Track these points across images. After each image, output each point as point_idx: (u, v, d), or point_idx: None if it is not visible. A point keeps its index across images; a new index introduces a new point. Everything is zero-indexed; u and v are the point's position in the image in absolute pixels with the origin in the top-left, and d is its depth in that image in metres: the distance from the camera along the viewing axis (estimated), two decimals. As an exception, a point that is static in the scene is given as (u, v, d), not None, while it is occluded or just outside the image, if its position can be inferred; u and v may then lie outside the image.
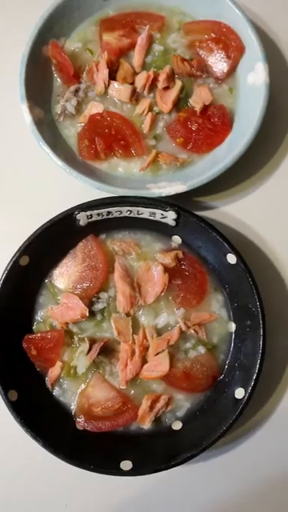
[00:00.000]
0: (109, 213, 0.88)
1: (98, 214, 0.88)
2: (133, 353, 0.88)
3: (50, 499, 0.92)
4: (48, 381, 0.89)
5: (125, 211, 0.88)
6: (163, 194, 0.88)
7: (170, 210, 0.87)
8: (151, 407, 0.87)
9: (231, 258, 0.86)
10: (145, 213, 0.88)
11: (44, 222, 0.87)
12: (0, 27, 1.04)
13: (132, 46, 0.96)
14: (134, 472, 0.83)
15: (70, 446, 0.85)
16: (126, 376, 0.88)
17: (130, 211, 0.88)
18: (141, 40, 0.96)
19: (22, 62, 0.92)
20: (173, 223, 0.88)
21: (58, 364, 0.89)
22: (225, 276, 0.90)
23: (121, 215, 0.89)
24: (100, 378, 0.89)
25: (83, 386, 0.89)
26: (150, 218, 0.89)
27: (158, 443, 0.87)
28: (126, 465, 0.83)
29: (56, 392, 0.89)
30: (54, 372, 0.89)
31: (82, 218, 0.88)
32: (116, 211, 0.88)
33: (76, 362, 0.88)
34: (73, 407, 0.89)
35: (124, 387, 0.88)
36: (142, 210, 0.88)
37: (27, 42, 0.93)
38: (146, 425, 0.87)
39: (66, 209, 0.87)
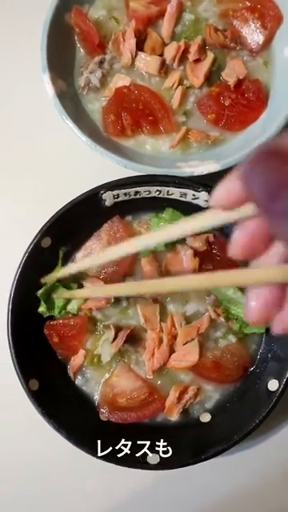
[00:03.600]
0: (137, 192, 0.83)
1: (126, 194, 0.83)
2: (160, 341, 0.84)
3: (71, 489, 0.89)
4: (70, 370, 0.85)
5: (154, 191, 0.83)
6: (195, 174, 0.83)
7: (202, 190, 0.81)
8: (179, 398, 0.83)
9: (267, 243, 0.81)
10: (175, 193, 0.83)
11: (67, 202, 0.81)
12: (19, -7, 0.98)
13: (161, 15, 0.90)
14: (162, 466, 0.79)
15: (93, 437, 0.81)
16: (153, 365, 0.83)
17: (160, 191, 0.83)
18: (171, 8, 0.89)
19: (43, 30, 0.85)
20: (204, 204, 0.83)
21: (81, 352, 0.84)
22: (258, 261, 0.84)
23: (149, 195, 0.83)
24: (125, 368, 0.84)
25: (107, 376, 0.85)
26: (181, 198, 0.83)
27: (186, 436, 0.83)
28: (153, 458, 0.79)
29: (78, 381, 0.85)
30: (76, 360, 0.84)
31: (108, 198, 0.82)
32: (144, 191, 0.83)
33: (100, 350, 0.84)
34: (96, 397, 0.85)
35: (151, 377, 0.84)
36: (172, 190, 0.82)
37: (49, 8, 0.86)
38: (174, 416, 0.83)
39: (91, 188, 0.82)
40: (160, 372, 0.84)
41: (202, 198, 0.82)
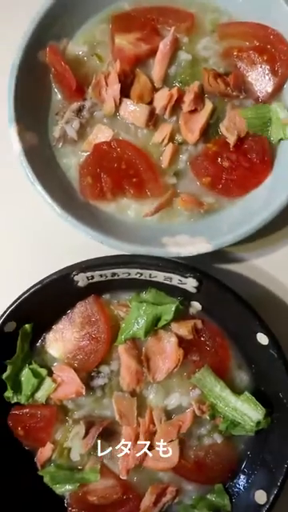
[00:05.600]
0: (114, 274, 0.72)
1: (101, 275, 0.72)
2: (137, 437, 0.75)
3: None
4: (37, 461, 0.77)
5: (134, 273, 0.72)
6: (182, 255, 0.71)
7: (190, 276, 0.70)
8: (156, 502, 0.75)
9: (262, 338, 0.70)
10: (158, 276, 0.72)
11: (33, 284, 0.71)
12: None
13: (152, 53, 0.76)
14: None
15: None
16: (128, 465, 0.75)
17: (141, 274, 0.72)
18: (164, 46, 0.75)
19: (11, 72, 0.73)
20: (193, 290, 0.72)
21: (49, 446, 0.76)
22: (252, 354, 0.74)
23: (129, 277, 0.72)
24: (97, 463, 0.76)
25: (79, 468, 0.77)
26: (165, 282, 0.72)
27: None
28: None
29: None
30: (43, 453, 0.76)
31: (82, 280, 0.72)
32: (123, 273, 0.71)
33: (70, 444, 0.76)
34: (66, 495, 0.77)
35: (125, 478, 0.75)
36: (155, 273, 0.71)
37: (19, 46, 0.73)
38: (149, 521, 0.75)
39: (62, 265, 0.71)
40: (137, 468, 0.76)
41: (189, 284, 0.71)
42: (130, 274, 0.72)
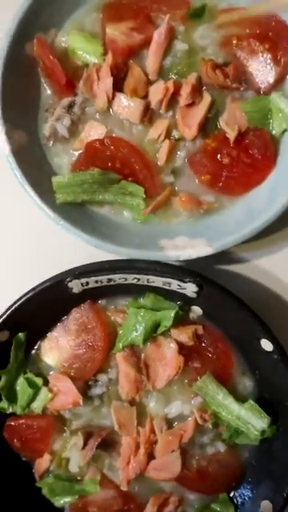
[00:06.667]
0: (110, 280, 0.68)
1: (96, 281, 0.68)
2: (137, 447, 0.72)
3: None
4: (35, 473, 0.75)
5: (131, 279, 0.68)
6: (181, 258, 0.68)
7: (189, 281, 0.66)
8: (158, 513, 0.72)
9: (266, 345, 0.67)
10: (157, 281, 0.68)
11: (26, 291, 0.68)
12: None
13: (146, 44, 0.71)
14: None
15: None
16: (128, 475, 0.72)
17: (138, 279, 0.68)
18: (158, 36, 0.70)
19: (-3, 67, 0.68)
20: (193, 295, 0.68)
21: (47, 456, 0.73)
22: (256, 360, 0.71)
23: (125, 282, 0.69)
24: (97, 473, 0.74)
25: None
26: (164, 287, 0.69)
27: None
28: None
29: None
30: (41, 464, 0.74)
31: (76, 286, 0.68)
32: (119, 278, 0.68)
33: (68, 455, 0.73)
34: (66, 506, 0.75)
35: (125, 489, 0.73)
36: (153, 278, 0.68)
37: (4, 38, 0.68)
38: (152, 533, 0.73)
39: (57, 271, 0.68)
40: (138, 478, 0.73)
41: (189, 288, 0.67)
42: (126, 280, 0.68)
